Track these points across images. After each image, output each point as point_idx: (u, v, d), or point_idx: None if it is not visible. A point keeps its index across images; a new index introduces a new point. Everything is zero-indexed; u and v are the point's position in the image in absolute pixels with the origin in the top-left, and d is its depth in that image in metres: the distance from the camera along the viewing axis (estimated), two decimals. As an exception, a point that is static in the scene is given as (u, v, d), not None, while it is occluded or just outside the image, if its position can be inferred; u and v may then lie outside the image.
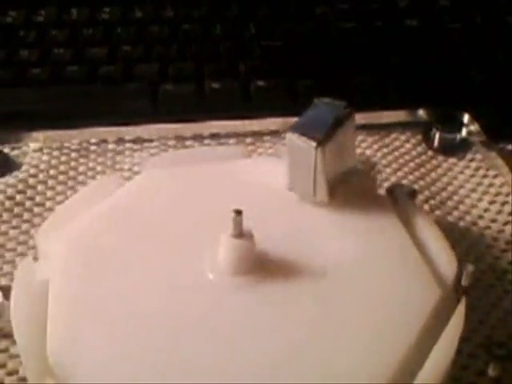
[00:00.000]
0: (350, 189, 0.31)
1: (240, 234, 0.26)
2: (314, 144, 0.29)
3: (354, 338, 0.25)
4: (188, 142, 0.41)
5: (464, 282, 0.30)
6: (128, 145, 0.40)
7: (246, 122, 0.42)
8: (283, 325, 0.26)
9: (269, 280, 0.27)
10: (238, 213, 0.26)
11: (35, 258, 0.30)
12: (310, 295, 0.27)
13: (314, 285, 0.27)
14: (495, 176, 0.39)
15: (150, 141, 0.41)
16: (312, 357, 0.24)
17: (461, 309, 0.26)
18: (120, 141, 0.41)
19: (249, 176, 0.32)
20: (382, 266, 0.28)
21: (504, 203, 0.37)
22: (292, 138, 0.30)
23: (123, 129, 0.41)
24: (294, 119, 0.39)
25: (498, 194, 0.38)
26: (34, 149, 0.39)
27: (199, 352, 0.24)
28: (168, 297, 0.26)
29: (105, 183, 0.33)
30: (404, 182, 0.39)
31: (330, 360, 0.24)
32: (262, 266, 0.27)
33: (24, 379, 0.27)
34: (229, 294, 0.26)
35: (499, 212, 0.37)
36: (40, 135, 0.40)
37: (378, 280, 0.27)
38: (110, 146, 0.40)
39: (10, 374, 0.28)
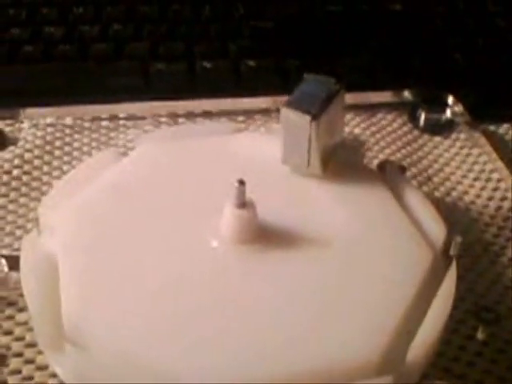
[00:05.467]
0: (340, 162, 0.32)
1: (243, 203, 0.27)
2: (308, 118, 0.30)
3: (351, 303, 0.26)
4: (180, 120, 0.41)
5: (452, 251, 0.31)
6: (121, 122, 0.41)
7: (237, 100, 0.43)
8: (284, 291, 0.26)
9: (270, 248, 0.28)
10: (242, 183, 0.27)
11: (39, 231, 0.30)
12: (309, 263, 0.28)
13: (313, 253, 0.28)
14: (479, 154, 0.40)
15: (143, 118, 0.41)
16: (311, 322, 0.25)
17: (452, 271, 0.28)
18: (113, 118, 0.41)
19: (243, 150, 0.33)
20: (377, 234, 0.29)
21: (488, 180, 0.39)
22: (287, 112, 0.31)
23: (116, 106, 0.42)
24: (284, 98, 0.40)
25: (481, 172, 0.39)
26: (29, 125, 0.40)
27: (204, 317, 0.25)
28: (174, 264, 0.27)
29: (103, 158, 0.33)
30: (391, 159, 0.40)
31: (330, 325, 0.25)
32: (263, 236, 0.28)
33: (31, 345, 0.28)
34: (233, 262, 0.27)
35: (483, 188, 0.38)
36: (34, 112, 0.41)
37: (373, 246, 0.28)
38: (104, 123, 0.41)
39: (17, 339, 0.28)
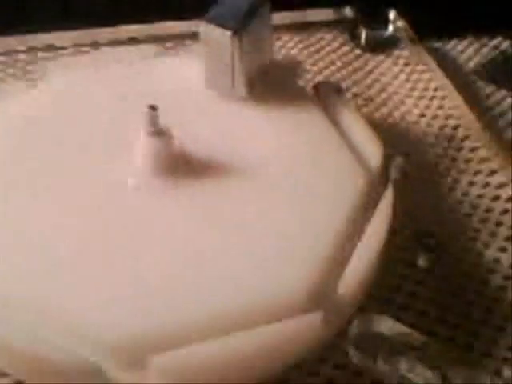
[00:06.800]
0: (270, 83, 0.30)
1: (157, 131, 0.25)
2: (229, 33, 0.28)
3: (276, 232, 0.24)
4: (105, 49, 0.38)
5: (393, 174, 0.29)
6: (40, 54, 0.38)
7: (166, 24, 0.40)
8: (204, 225, 0.24)
9: (192, 179, 0.25)
10: (153, 108, 0.25)
11: None
12: (237, 191, 0.26)
13: (239, 181, 0.26)
14: (423, 71, 0.38)
15: (64, 48, 0.38)
16: (232, 257, 0.24)
17: (388, 194, 0.26)
18: (31, 50, 0.38)
19: (163, 75, 0.31)
20: (308, 157, 0.27)
21: (432, 98, 0.37)
22: (206, 28, 0.28)
23: (33, 37, 0.39)
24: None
25: (425, 89, 0.37)
26: None
27: (120, 254, 0.24)
28: (87, 203, 0.25)
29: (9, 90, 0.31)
30: (329, 80, 0.37)
31: (251, 259, 0.23)
32: (184, 166, 0.26)
33: None
34: (148, 196, 0.25)
35: (427, 107, 0.36)
36: None
37: (303, 171, 0.26)
38: (21, 56, 0.38)
39: None
